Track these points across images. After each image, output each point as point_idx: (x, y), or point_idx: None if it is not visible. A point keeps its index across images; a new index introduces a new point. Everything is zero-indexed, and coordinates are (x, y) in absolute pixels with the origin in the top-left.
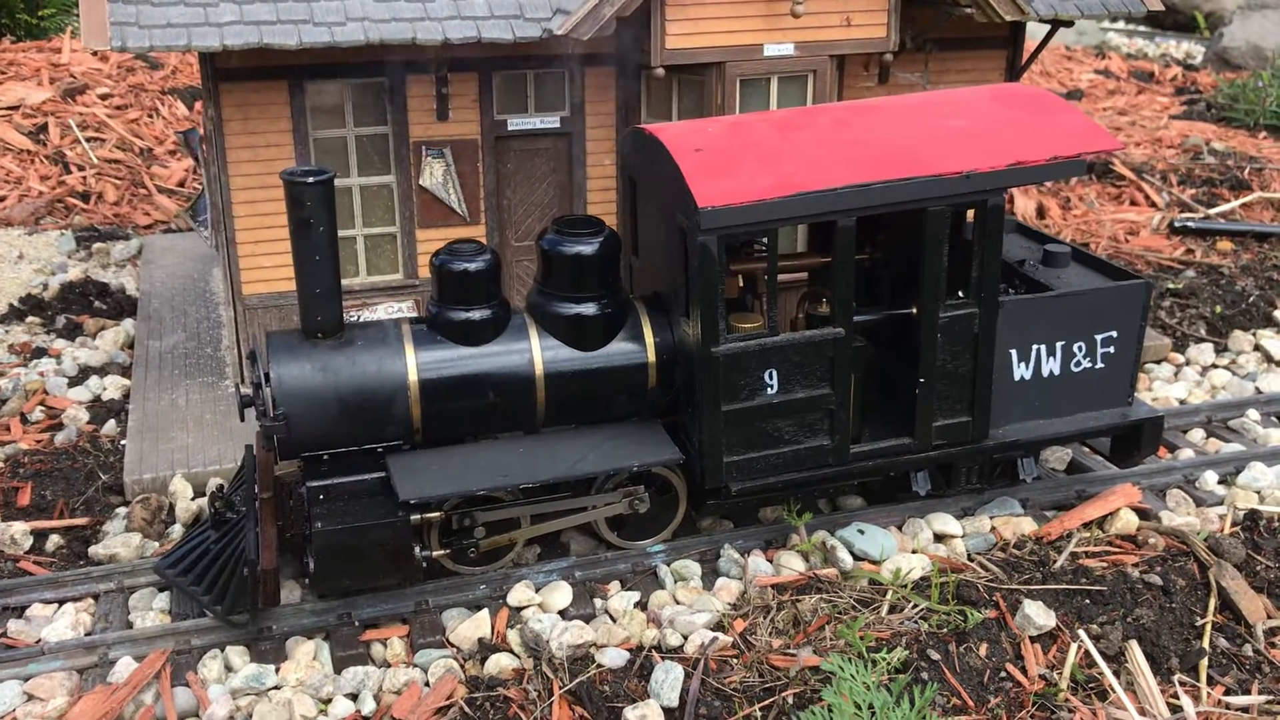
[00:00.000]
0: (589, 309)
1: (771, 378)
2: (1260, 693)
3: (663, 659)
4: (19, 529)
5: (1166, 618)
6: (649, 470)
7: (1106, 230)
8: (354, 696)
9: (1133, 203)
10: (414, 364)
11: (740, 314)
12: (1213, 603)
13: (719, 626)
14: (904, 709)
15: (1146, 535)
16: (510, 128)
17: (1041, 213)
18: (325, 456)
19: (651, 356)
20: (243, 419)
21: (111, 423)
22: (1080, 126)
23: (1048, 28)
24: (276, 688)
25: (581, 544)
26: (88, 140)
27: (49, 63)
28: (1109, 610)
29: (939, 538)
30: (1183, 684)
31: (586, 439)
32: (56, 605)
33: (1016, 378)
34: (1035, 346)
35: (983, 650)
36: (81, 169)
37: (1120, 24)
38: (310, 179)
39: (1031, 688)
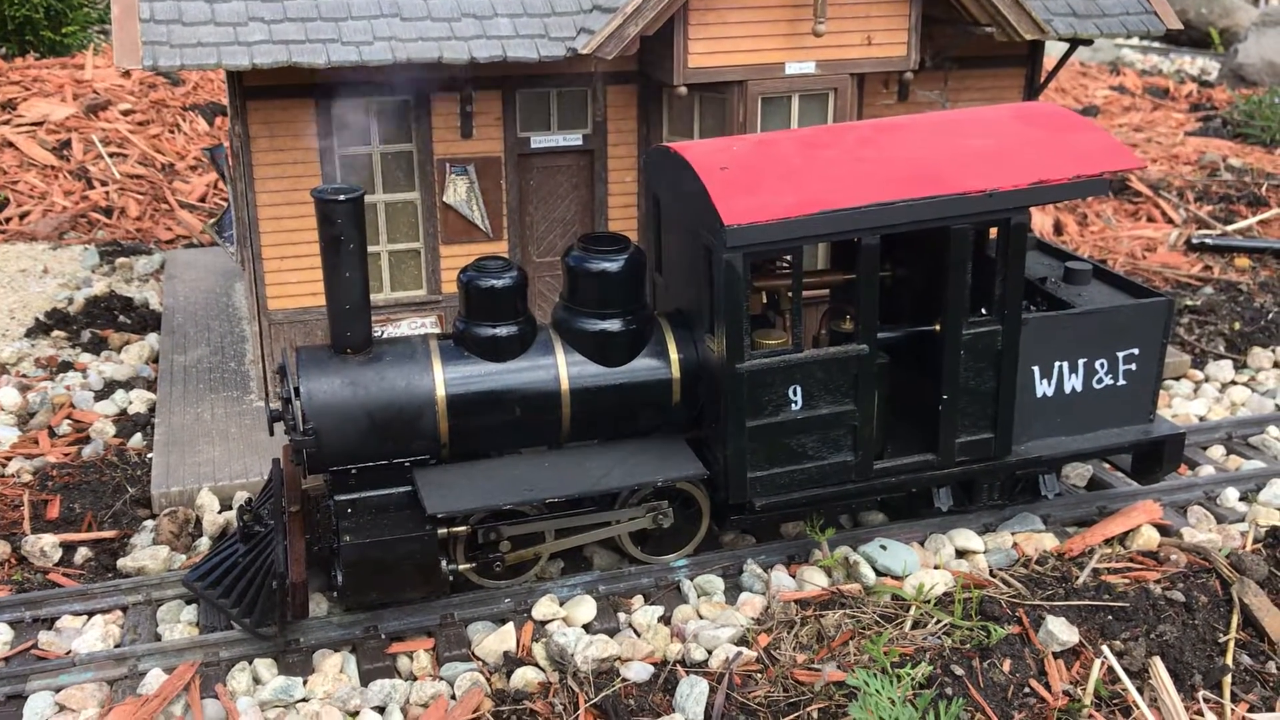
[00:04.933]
0: (614, 325)
1: (796, 394)
2: None
3: (687, 673)
4: (49, 541)
5: (1189, 634)
6: (672, 485)
7: (1124, 247)
8: (381, 709)
9: (1150, 219)
10: (442, 379)
11: (763, 330)
12: (1235, 620)
13: (743, 641)
14: None
15: (1168, 552)
16: (533, 145)
17: (1059, 229)
18: (353, 470)
19: (676, 373)
20: (272, 433)
21: (138, 436)
22: (1103, 145)
23: (1066, 46)
24: (304, 700)
25: (604, 558)
26: (110, 156)
27: (72, 79)
28: (1132, 627)
29: (961, 553)
30: (1207, 700)
31: (611, 454)
32: (86, 617)
33: (1039, 395)
34: (1058, 364)
35: (1006, 666)
36: (104, 184)
37: (1134, 40)
38: (341, 197)
39: (1055, 704)
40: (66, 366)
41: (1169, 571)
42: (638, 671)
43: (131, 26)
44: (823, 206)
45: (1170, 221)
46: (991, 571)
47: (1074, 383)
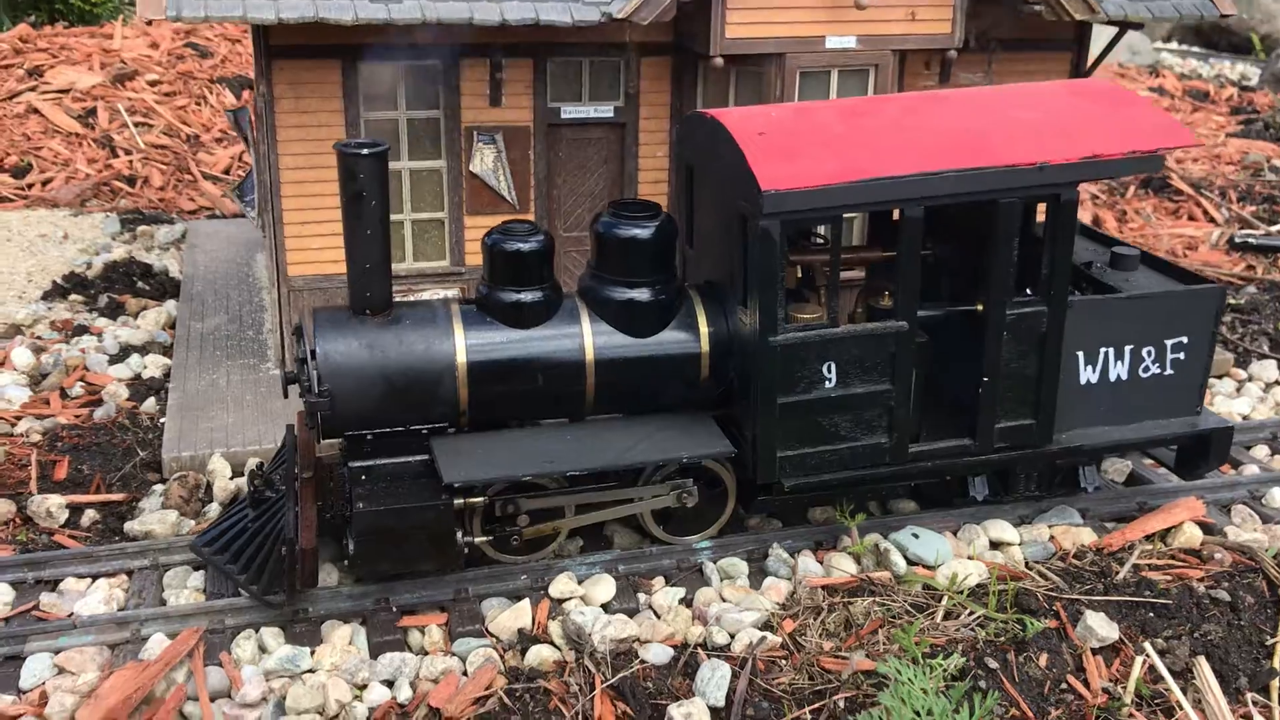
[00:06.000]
0: (643, 294)
1: (830, 371)
2: None
3: (709, 657)
4: (55, 502)
5: (1235, 635)
6: (698, 463)
7: (1164, 244)
8: (390, 683)
9: (1190, 218)
10: (463, 344)
11: (798, 305)
12: None
13: (768, 626)
14: (963, 716)
15: (1212, 550)
16: (564, 115)
17: (1096, 225)
18: (369, 436)
19: (705, 346)
20: (286, 395)
21: (151, 400)
22: (1157, 121)
23: (1113, 32)
24: (311, 671)
25: (626, 537)
26: (135, 125)
27: (100, 48)
28: (1175, 625)
29: (995, 545)
30: (1255, 704)
31: (636, 429)
32: (90, 580)
33: (1083, 381)
34: (1103, 349)
35: (1043, 660)
36: (128, 153)
37: (1174, 44)
38: (365, 150)
39: (1094, 701)
40: (82, 330)
41: (1213, 570)
42: (657, 654)
43: None
44: (865, 174)
45: (1212, 220)
46: (1027, 564)
47: (1119, 370)
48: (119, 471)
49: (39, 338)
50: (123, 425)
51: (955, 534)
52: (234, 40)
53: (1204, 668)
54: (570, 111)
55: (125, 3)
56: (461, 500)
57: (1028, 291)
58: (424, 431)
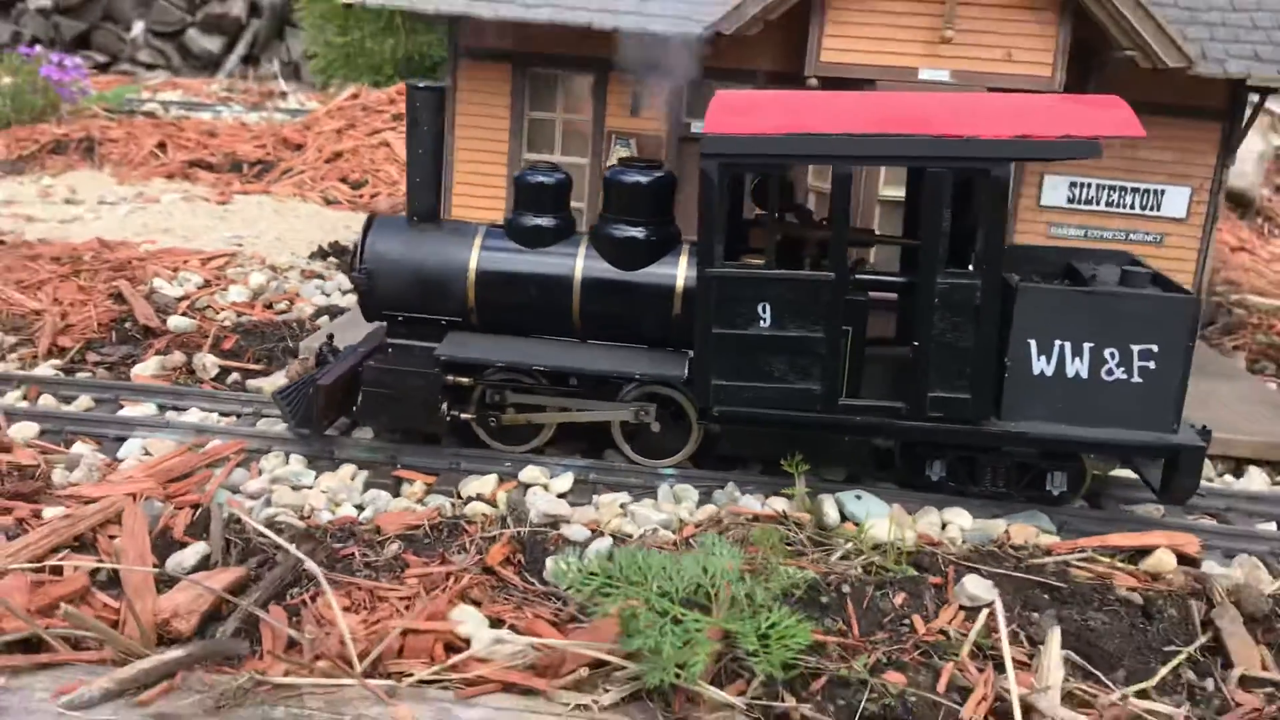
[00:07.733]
0: (636, 233)
1: (765, 311)
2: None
3: (609, 535)
4: (211, 360)
5: (1127, 631)
6: (657, 388)
7: None
8: (360, 507)
9: None
10: (477, 254)
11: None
12: (1201, 641)
13: (672, 530)
14: (749, 585)
15: (1173, 577)
16: (694, 130)
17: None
18: (400, 318)
19: (680, 285)
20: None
21: (326, 317)
22: (1114, 117)
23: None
24: (308, 487)
25: (616, 461)
26: None
27: None
28: (1061, 607)
29: (944, 528)
30: (1125, 698)
31: (613, 350)
32: (207, 414)
33: (1035, 371)
34: (1057, 342)
35: (899, 599)
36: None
37: None
38: (421, 85)
39: (924, 635)
40: (319, 278)
41: (1152, 587)
42: (575, 532)
43: None
44: (800, 130)
45: None
46: (959, 543)
47: (1077, 367)
48: (269, 351)
49: (284, 276)
50: (292, 326)
51: (913, 514)
52: None
53: (1053, 637)
54: (699, 127)
55: None
56: (453, 378)
57: (964, 265)
58: (443, 322)
